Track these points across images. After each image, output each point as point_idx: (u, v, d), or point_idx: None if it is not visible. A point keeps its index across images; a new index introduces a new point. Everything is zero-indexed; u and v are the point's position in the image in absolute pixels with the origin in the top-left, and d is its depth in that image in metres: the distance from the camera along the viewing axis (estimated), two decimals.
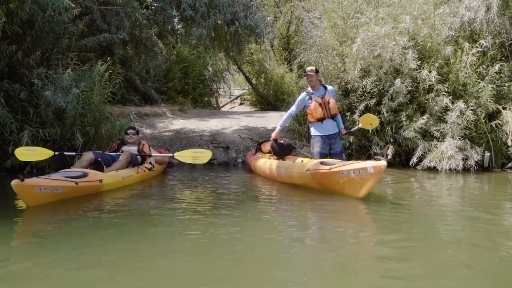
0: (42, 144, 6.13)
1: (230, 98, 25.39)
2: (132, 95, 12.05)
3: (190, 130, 10.02)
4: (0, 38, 6.01)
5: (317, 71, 5.55)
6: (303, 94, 5.62)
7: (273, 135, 6.11)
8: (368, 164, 4.21)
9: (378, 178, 4.22)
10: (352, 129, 6.19)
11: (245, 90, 23.71)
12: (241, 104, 23.89)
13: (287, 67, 17.63)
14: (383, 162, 4.12)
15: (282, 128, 6.07)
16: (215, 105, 19.91)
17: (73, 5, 6.59)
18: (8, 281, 2.24)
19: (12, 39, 6.29)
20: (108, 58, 7.16)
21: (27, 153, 5.61)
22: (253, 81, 20.00)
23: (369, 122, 5.88)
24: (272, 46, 20.63)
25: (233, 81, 24.16)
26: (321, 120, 5.46)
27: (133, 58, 10.61)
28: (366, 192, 4.25)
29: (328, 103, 5.43)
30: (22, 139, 5.96)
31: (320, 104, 5.42)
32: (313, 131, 5.61)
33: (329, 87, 5.66)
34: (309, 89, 5.57)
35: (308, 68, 5.62)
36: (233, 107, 23.73)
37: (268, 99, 18.50)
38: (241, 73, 20.25)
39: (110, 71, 6.85)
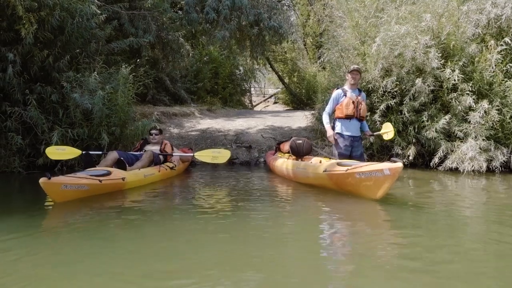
0: (71, 143, 6.44)
1: (264, 97, 25.46)
2: (163, 96, 12.41)
3: (216, 129, 10.19)
4: (33, 44, 6.42)
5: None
6: (338, 91, 5.58)
7: (328, 135, 5.64)
8: (385, 166, 4.16)
9: (394, 180, 4.16)
10: (375, 133, 6.12)
11: (278, 89, 23.67)
12: (275, 103, 23.82)
13: (320, 66, 17.46)
14: (399, 164, 4.05)
15: (329, 124, 5.71)
16: (247, 104, 19.97)
17: (99, 12, 6.90)
18: (32, 274, 2.33)
19: (44, 44, 6.71)
20: (137, 60, 7.43)
21: (57, 152, 5.93)
22: (286, 80, 19.93)
23: (386, 132, 5.82)
24: (305, 45, 20.50)
25: (267, 80, 24.16)
26: (349, 117, 5.45)
27: (162, 60, 10.91)
28: (383, 193, 4.20)
29: (361, 103, 5.47)
30: (52, 139, 6.30)
31: (353, 102, 5.43)
32: (337, 129, 5.54)
33: (363, 93, 5.72)
34: (345, 86, 5.59)
35: (356, 66, 5.63)
36: (267, 106, 23.74)
37: (301, 98, 18.41)
38: (273, 72, 20.29)
39: (134, 74, 7.09)
